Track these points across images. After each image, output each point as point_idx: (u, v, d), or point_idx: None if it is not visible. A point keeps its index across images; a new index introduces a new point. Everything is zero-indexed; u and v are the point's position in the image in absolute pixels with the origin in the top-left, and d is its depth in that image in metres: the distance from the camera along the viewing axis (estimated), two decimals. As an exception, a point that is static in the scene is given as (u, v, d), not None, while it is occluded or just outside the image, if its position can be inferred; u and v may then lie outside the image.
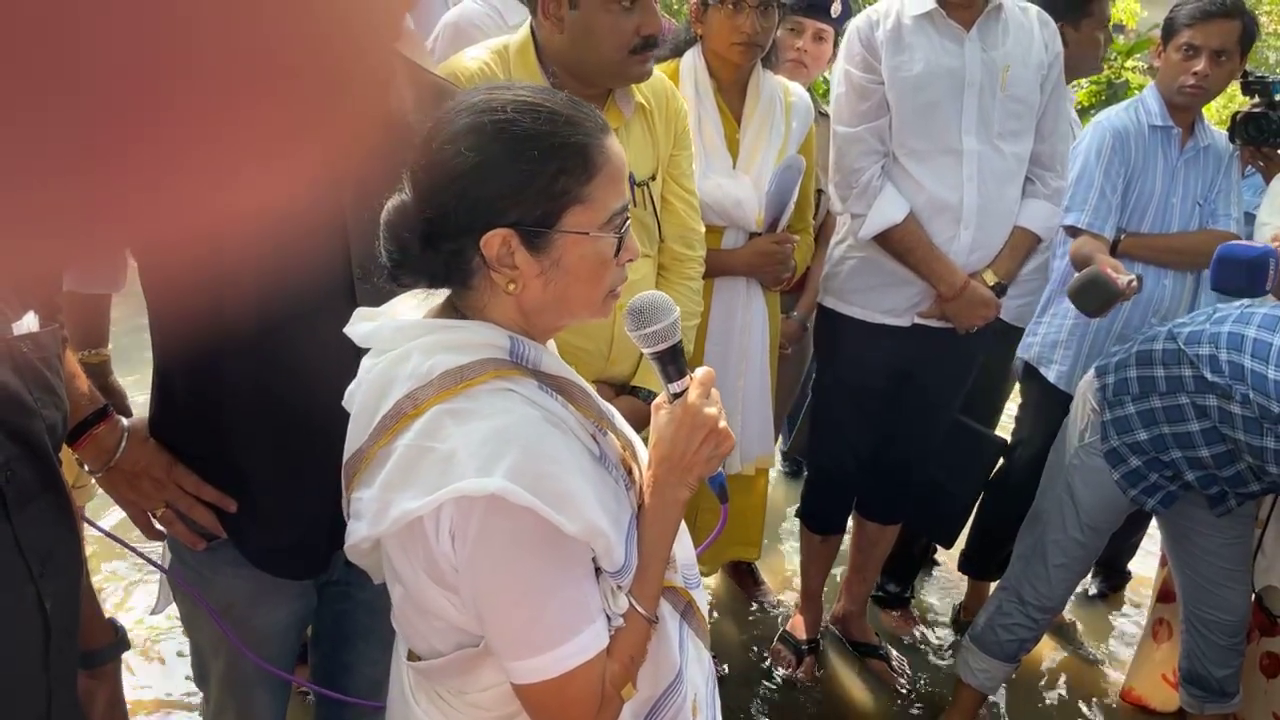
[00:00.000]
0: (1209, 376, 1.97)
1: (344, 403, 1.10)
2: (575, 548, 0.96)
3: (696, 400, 1.06)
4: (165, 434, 1.34)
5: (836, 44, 2.81)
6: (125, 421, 1.32)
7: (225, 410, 1.29)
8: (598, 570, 1.00)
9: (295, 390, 1.23)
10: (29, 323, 0.94)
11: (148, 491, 1.31)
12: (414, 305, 1.08)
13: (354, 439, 1.03)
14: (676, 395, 1.07)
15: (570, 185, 0.96)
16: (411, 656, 1.10)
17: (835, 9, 2.74)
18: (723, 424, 1.06)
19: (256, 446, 1.30)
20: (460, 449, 0.92)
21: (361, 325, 1.06)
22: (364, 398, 1.02)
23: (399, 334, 1.02)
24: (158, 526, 1.36)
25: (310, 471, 1.23)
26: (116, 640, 1.23)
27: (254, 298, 1.21)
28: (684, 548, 1.19)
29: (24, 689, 0.93)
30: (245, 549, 1.35)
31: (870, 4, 2.35)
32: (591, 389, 1.10)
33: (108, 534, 1.43)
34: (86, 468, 1.33)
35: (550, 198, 0.95)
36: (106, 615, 1.25)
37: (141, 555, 1.44)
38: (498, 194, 0.95)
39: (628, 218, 1.02)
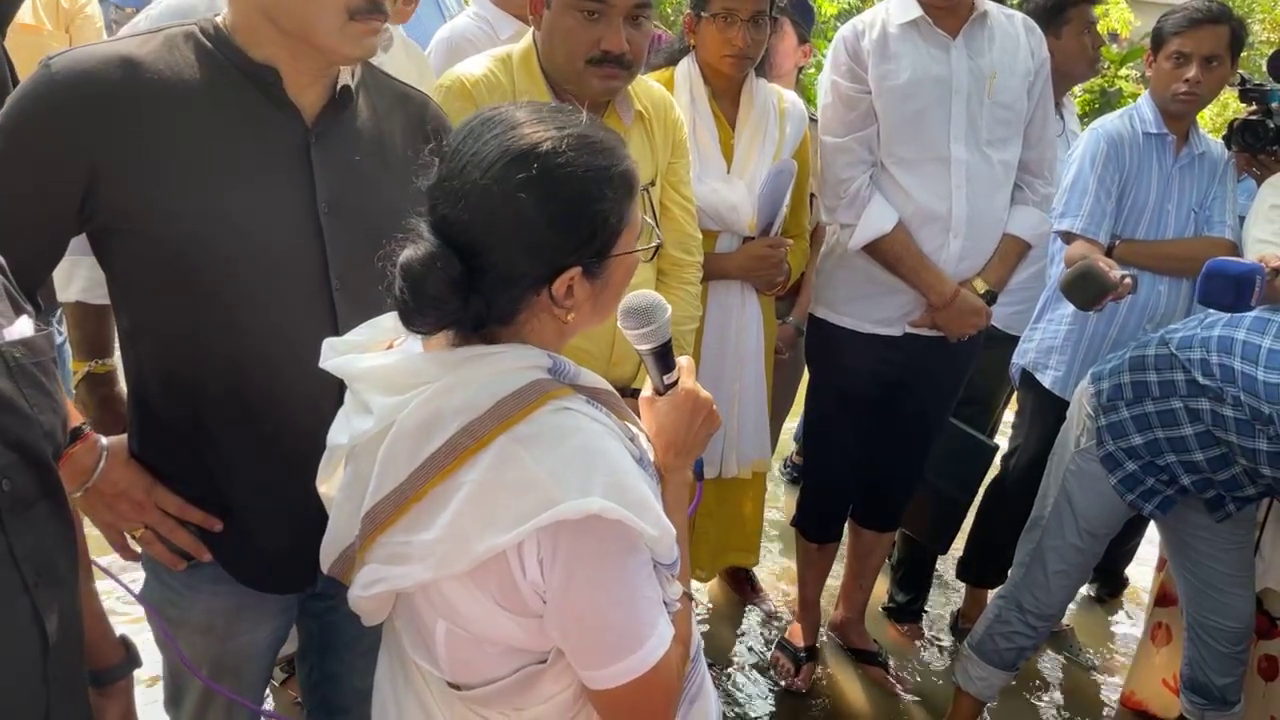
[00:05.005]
0: (1200, 380, 1.98)
1: (333, 437, 1.07)
2: (644, 548, 0.97)
3: (692, 385, 1.14)
4: (145, 453, 1.29)
5: (813, 46, 2.78)
6: (105, 441, 1.26)
7: (206, 426, 1.24)
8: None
9: (275, 401, 1.21)
10: (22, 327, 0.93)
11: (126, 514, 1.26)
12: (397, 327, 1.03)
13: (385, 480, 0.97)
14: (669, 386, 1.14)
15: (623, 212, 0.98)
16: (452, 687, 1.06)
17: None
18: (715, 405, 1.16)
19: (239, 461, 1.25)
20: (542, 475, 0.90)
21: (365, 360, 1.02)
22: (399, 437, 0.95)
23: (428, 367, 0.98)
24: (134, 548, 1.31)
25: (296, 483, 1.19)
26: (127, 658, 1.19)
27: (229, 309, 1.18)
28: None
29: (20, 705, 0.90)
30: (233, 568, 1.31)
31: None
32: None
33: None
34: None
35: (611, 228, 0.96)
36: (118, 632, 1.20)
37: (119, 581, 1.28)
38: (572, 237, 0.94)
39: None
